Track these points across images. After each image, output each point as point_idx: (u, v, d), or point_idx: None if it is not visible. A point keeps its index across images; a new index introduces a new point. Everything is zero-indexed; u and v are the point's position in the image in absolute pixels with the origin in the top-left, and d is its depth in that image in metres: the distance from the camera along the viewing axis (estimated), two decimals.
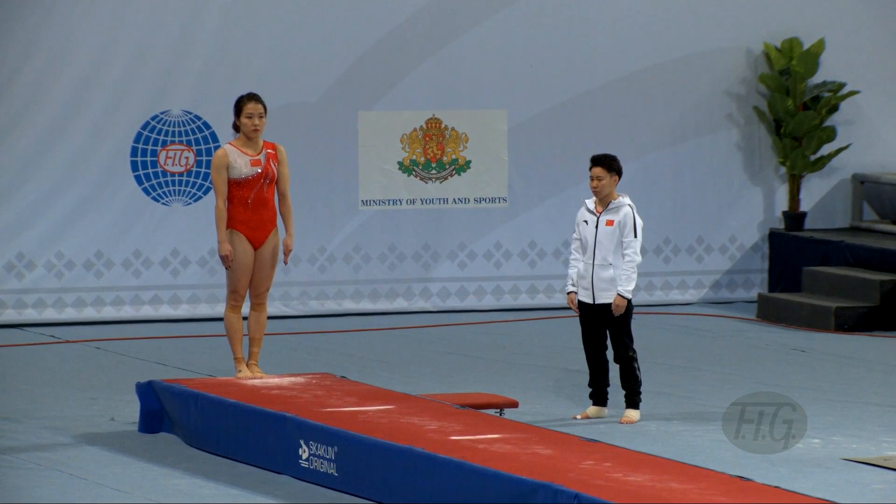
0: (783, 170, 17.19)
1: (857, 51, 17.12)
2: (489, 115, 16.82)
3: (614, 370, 12.86)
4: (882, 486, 11.23)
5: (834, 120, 17.12)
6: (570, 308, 12.93)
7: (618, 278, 12.67)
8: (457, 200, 16.85)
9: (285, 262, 12.47)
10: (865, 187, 17.27)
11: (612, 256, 12.68)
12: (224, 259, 12.27)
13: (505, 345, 15.58)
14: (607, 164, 12.63)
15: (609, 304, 12.73)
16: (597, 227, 12.70)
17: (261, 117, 12.25)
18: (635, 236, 12.66)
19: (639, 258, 12.71)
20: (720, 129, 17.18)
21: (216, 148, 16.14)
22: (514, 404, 12.64)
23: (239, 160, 12.20)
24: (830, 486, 10.87)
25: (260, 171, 12.20)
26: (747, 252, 17.29)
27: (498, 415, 12.38)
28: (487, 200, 16.89)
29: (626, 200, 12.68)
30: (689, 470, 10.73)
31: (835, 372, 14.56)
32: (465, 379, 13.99)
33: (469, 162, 16.87)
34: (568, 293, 12.86)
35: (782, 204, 17.27)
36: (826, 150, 17.10)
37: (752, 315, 16.74)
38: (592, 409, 12.89)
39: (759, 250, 17.27)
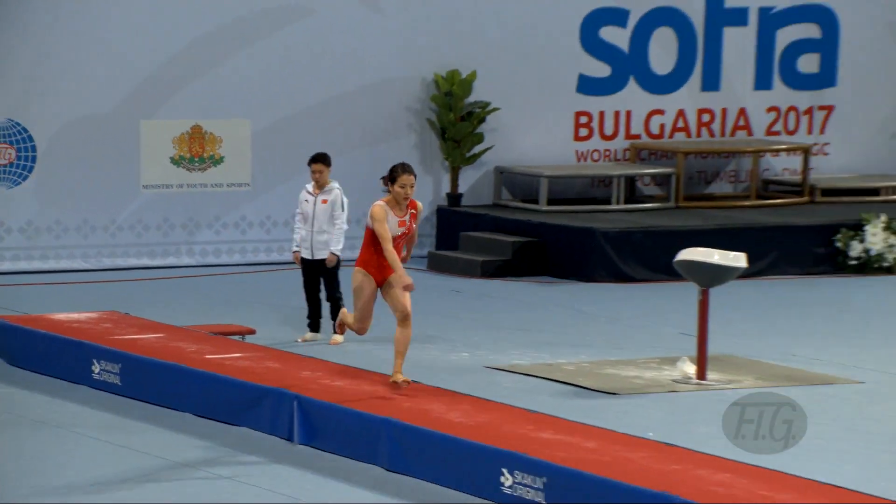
0: (447, 164, 17.32)
1: (498, 79, 17.32)
2: (237, 123, 16.68)
3: (326, 307, 12.89)
4: (511, 385, 11.43)
5: (482, 128, 17.30)
6: (295, 263, 12.99)
7: (331, 241, 12.79)
8: (214, 185, 16.69)
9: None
10: (504, 176, 17.51)
11: (326, 225, 12.83)
12: (408, 287, 10.27)
13: (247, 290, 15.50)
14: (324, 160, 12.89)
15: (324, 260, 12.83)
16: (315, 204, 12.84)
17: (412, 186, 10.30)
18: (343, 210, 12.84)
19: (346, 226, 12.90)
20: (403, 135, 17.25)
21: (33, 147, 15.85)
22: (252, 332, 12.61)
23: (392, 220, 10.35)
24: (476, 386, 10.99)
25: (404, 230, 10.42)
26: (422, 222, 17.38)
27: (240, 339, 12.32)
28: (236, 185, 16.76)
29: (336, 185, 12.90)
30: (377, 376, 10.81)
31: (481, 305, 14.73)
32: (219, 314, 13.88)
33: (223, 157, 16.72)
34: (294, 252, 12.95)
35: (446, 188, 17.42)
36: (477, 149, 17.28)
37: (425, 267, 16.88)
38: (310, 335, 12.94)
39: (430, 220, 17.39)
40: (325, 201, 12.79)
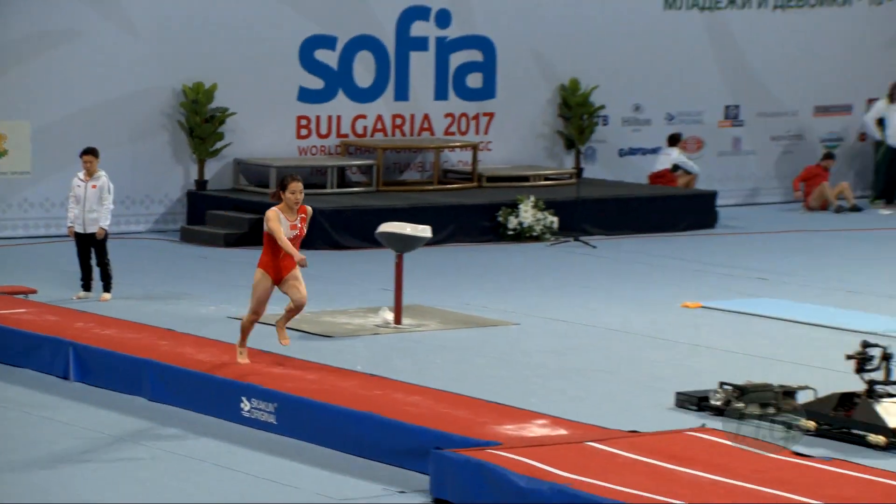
0: (195, 157, 16.98)
1: (235, 90, 17.02)
2: (19, 125, 15.99)
3: (96, 271, 12.52)
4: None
5: (223, 128, 17.00)
6: (70, 236, 12.62)
7: (100, 218, 12.58)
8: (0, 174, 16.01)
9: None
10: (241, 166, 17.29)
11: (95, 206, 12.62)
12: (302, 261, 9.26)
13: (30, 258, 14.88)
14: (94, 153, 12.58)
15: (94, 233, 12.52)
16: (86, 189, 12.61)
17: (301, 192, 9.27)
18: (110, 193, 12.61)
19: (113, 206, 12.66)
20: (159, 134, 16.84)
21: None
22: (34, 291, 12.20)
23: (284, 223, 9.28)
24: (220, 333, 10.81)
25: (296, 234, 9.32)
26: (174, 203, 17.02)
27: (24, 297, 11.86)
28: (19, 173, 16.08)
29: (104, 173, 12.78)
30: (140, 326, 10.53)
31: (224, 269, 14.52)
32: (5, 278, 13.29)
33: (6, 150, 16.02)
34: (69, 227, 12.63)
35: (195, 176, 17.07)
36: (219, 145, 17.01)
37: (178, 239, 16.53)
38: (83, 293, 12.62)
39: (182, 202, 17.04)
40: (94, 186, 12.63)
